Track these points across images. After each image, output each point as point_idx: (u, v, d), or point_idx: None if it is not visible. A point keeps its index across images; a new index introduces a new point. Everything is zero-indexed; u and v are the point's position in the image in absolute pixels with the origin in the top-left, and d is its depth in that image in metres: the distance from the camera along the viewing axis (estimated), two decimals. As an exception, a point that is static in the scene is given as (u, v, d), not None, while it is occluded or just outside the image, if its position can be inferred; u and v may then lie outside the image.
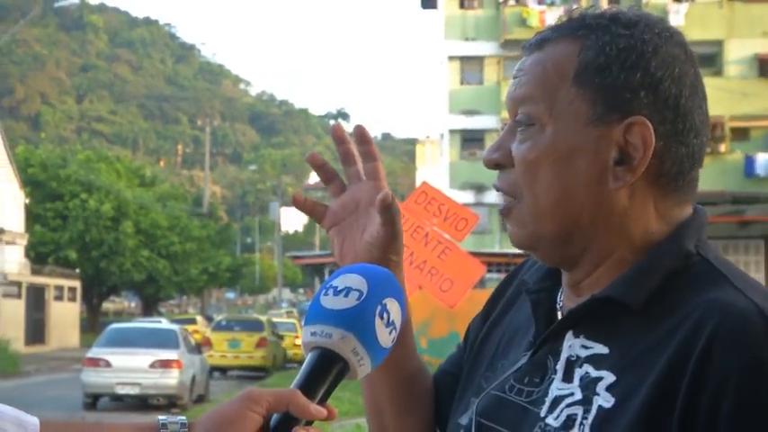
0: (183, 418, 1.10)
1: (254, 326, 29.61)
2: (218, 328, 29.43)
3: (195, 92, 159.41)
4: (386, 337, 1.16)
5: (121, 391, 18.64)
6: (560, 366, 1.21)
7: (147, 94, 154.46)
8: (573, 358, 1.21)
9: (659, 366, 1.12)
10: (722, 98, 34.52)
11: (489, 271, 20.89)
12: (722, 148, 34.54)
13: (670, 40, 1.22)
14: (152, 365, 18.73)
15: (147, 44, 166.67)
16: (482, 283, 20.46)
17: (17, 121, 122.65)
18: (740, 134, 35.42)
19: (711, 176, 34.24)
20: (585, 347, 1.20)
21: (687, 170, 1.22)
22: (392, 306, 1.18)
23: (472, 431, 1.29)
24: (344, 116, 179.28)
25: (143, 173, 55.93)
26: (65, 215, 47.41)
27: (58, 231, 47.19)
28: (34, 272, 39.84)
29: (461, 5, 38.75)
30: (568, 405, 1.18)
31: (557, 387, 1.20)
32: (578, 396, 1.17)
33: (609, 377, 1.16)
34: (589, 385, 1.17)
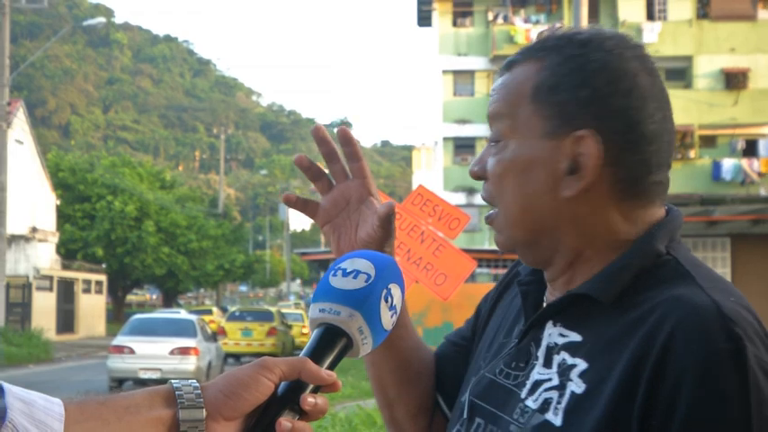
0: (196, 381, 1.08)
1: (265, 316, 29.60)
2: (232, 318, 29.41)
3: (211, 103, 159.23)
4: (388, 320, 1.16)
5: (144, 375, 18.62)
6: (541, 353, 1.21)
7: (168, 105, 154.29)
8: (552, 345, 1.21)
9: (625, 357, 1.10)
10: (692, 108, 34.54)
11: (479, 266, 20.88)
12: (692, 154, 34.54)
13: (622, 55, 1.21)
14: (172, 352, 18.72)
15: (167, 59, 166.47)
16: (473, 278, 20.43)
17: (49, 129, 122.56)
18: (708, 141, 35.42)
19: (682, 180, 34.23)
20: (563, 336, 1.20)
21: (644, 176, 1.20)
22: (395, 291, 1.17)
23: (465, 409, 1.29)
24: (347, 125, 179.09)
25: (163, 177, 55.85)
26: (92, 215, 47.39)
27: (86, 230, 47.17)
28: (64, 267, 39.84)
29: (454, 24, 38.73)
30: (546, 389, 1.18)
31: (537, 372, 1.20)
32: (555, 381, 1.17)
33: (582, 364, 1.15)
34: (565, 371, 1.17)
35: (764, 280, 16.67)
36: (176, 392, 1.05)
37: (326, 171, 1.43)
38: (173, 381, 1.08)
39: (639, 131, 1.19)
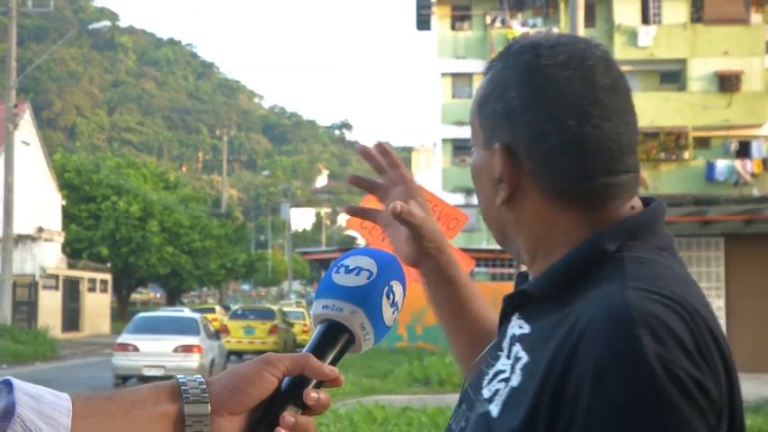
0: (201, 377, 1.08)
1: (267, 314, 29.60)
2: (235, 316, 29.42)
3: (214, 105, 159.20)
4: (389, 316, 1.16)
5: (148, 372, 18.62)
6: (506, 344, 1.21)
7: (171, 107, 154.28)
8: (512, 336, 1.21)
9: (548, 354, 1.08)
10: (686, 110, 34.54)
11: (478, 265, 20.89)
12: (686, 155, 34.53)
13: (548, 66, 1.19)
14: (175, 350, 18.72)
15: (171, 62, 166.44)
16: (471, 277, 20.34)
17: (55, 131, 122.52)
18: (702, 143, 35.42)
19: (677, 181, 34.22)
20: (521, 327, 1.20)
21: (572, 184, 1.17)
22: (397, 288, 1.18)
23: (461, 395, 1.31)
24: (348, 127, 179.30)
25: (167, 177, 55.86)
26: (97, 215, 47.39)
27: (91, 230, 47.17)
28: (70, 266, 39.84)
29: (453, 27, 38.73)
30: (499, 380, 1.17)
31: (501, 363, 1.20)
32: (507, 373, 1.16)
33: (525, 357, 1.14)
34: (514, 364, 1.16)
35: (757, 278, 16.68)
36: (182, 388, 1.06)
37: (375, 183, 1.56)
38: (178, 376, 1.08)
39: (550, 143, 1.17)
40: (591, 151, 1.17)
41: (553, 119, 1.17)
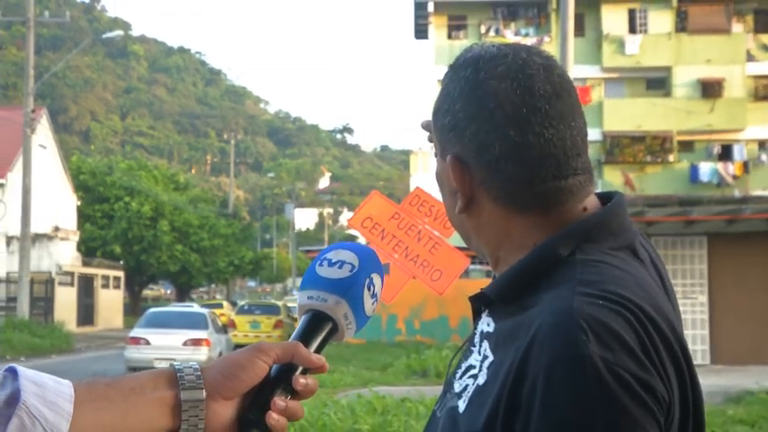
0: (196, 363, 1.09)
1: (272, 310, 29.57)
2: (242, 311, 29.39)
3: (222, 110, 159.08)
4: (369, 307, 1.17)
5: (159, 365, 18.58)
6: (477, 340, 1.20)
7: (181, 112, 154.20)
8: (482, 333, 1.19)
9: (509, 355, 1.07)
10: (671, 116, 34.54)
11: (473, 263, 20.86)
12: (671, 158, 34.54)
13: (489, 75, 1.17)
14: (185, 343, 18.72)
15: (180, 70, 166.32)
16: (467, 274, 20.45)
17: (70, 135, 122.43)
18: (686, 146, 35.43)
19: (662, 182, 34.23)
20: (488, 324, 1.19)
21: (521, 189, 1.16)
22: (377, 280, 1.18)
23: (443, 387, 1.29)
24: (349, 131, 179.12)
25: (177, 179, 55.82)
26: (111, 215, 47.36)
27: (104, 229, 47.14)
28: (84, 264, 39.81)
29: (449, 36, 38.71)
30: (469, 376, 1.16)
31: (473, 358, 1.18)
32: (476, 369, 1.15)
33: (491, 356, 1.13)
34: (483, 360, 1.15)
35: (738, 275, 16.68)
36: (178, 375, 1.07)
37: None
38: (174, 363, 1.09)
39: (494, 154, 1.16)
40: (534, 158, 1.15)
41: (495, 129, 1.15)
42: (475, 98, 1.17)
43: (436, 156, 1.26)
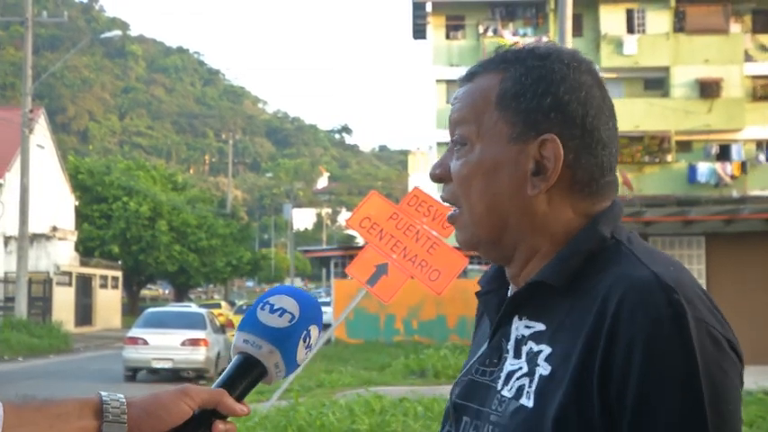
0: (122, 396, 1.12)
1: (271, 310, 29.58)
2: (240, 311, 29.46)
3: (220, 110, 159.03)
4: (302, 357, 1.20)
5: (157, 365, 18.62)
6: (511, 346, 1.22)
7: (179, 112, 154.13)
8: (519, 338, 1.22)
9: (583, 335, 1.12)
10: (669, 116, 34.55)
11: (471, 263, 20.85)
12: (669, 158, 34.54)
13: (578, 68, 1.24)
14: (183, 343, 18.71)
15: (179, 69, 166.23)
16: (465, 274, 20.41)
17: (68, 135, 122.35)
18: (684, 147, 35.43)
19: (660, 182, 34.24)
20: (528, 327, 1.21)
21: (598, 177, 1.23)
22: (314, 332, 1.20)
23: (451, 411, 1.30)
24: (348, 131, 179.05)
25: (175, 179, 55.80)
26: (109, 215, 47.35)
27: (102, 229, 47.13)
28: (82, 264, 39.80)
29: (447, 36, 38.72)
30: (518, 378, 1.19)
31: (509, 364, 1.21)
32: (525, 369, 1.18)
33: (546, 349, 1.17)
34: (533, 359, 1.18)
35: (736, 275, 16.69)
36: (104, 406, 1.10)
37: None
38: (102, 394, 1.12)
39: (596, 137, 1.22)
40: (615, 148, 1.25)
41: (597, 116, 1.23)
42: (579, 85, 1.23)
43: (475, 144, 1.24)
